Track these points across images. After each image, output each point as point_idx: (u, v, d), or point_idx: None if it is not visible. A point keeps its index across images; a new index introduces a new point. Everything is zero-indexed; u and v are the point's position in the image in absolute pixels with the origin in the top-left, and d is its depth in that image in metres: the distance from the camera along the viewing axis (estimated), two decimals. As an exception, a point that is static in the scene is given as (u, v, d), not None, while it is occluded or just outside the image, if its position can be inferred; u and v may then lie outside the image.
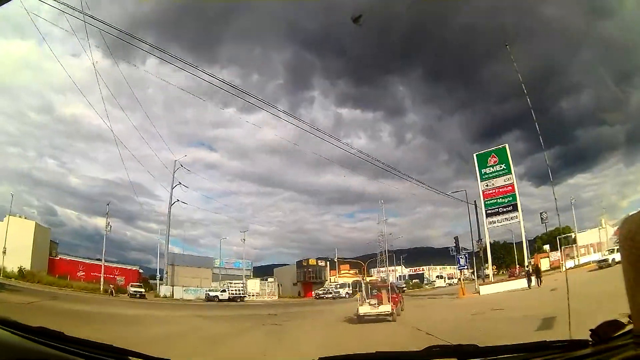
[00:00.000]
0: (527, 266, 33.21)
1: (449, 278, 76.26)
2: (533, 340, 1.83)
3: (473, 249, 37.82)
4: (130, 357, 1.85)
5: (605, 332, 1.44)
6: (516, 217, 36.42)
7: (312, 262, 70.06)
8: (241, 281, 56.90)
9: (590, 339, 1.52)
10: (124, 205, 80.00)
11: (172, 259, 52.02)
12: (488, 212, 36.71)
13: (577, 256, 37.68)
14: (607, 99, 43.44)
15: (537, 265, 32.04)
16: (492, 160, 37.76)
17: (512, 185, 36.89)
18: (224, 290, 47.49)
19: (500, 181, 37.00)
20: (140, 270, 56.54)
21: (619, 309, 1.40)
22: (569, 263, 34.53)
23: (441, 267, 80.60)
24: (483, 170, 37.63)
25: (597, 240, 37.55)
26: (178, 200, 52.37)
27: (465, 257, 35.32)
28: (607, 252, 29.96)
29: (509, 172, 37.14)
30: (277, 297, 62.72)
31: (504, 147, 38.27)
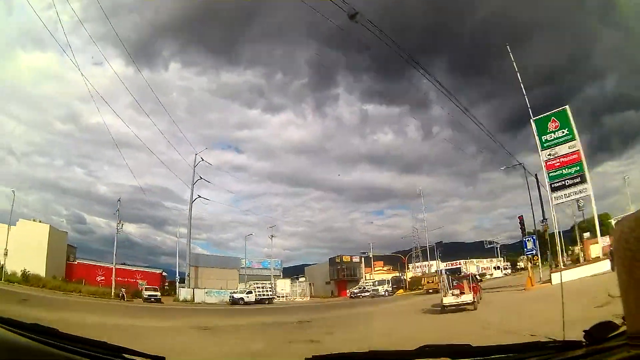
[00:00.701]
0: (610, 245, 27.39)
1: (496, 268, 73.37)
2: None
3: (535, 231, 32.01)
4: (124, 355, 1.79)
5: (599, 333, 1.42)
6: (585, 189, 30.56)
7: (345, 258, 65.55)
8: (269, 282, 53.00)
9: (584, 340, 1.48)
10: (154, 211, 78.68)
11: (195, 260, 48.89)
12: (553, 185, 30.88)
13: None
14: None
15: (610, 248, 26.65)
16: (552, 126, 31.97)
17: (577, 152, 31.05)
18: (249, 292, 43.39)
19: (564, 148, 31.19)
20: (164, 273, 54.28)
21: None
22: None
23: (477, 260, 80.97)
24: (543, 137, 31.86)
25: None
26: (199, 196, 49.54)
27: (533, 240, 29.64)
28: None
29: (573, 138, 31.26)
30: (308, 297, 58.57)
31: (564, 110, 32.35)
